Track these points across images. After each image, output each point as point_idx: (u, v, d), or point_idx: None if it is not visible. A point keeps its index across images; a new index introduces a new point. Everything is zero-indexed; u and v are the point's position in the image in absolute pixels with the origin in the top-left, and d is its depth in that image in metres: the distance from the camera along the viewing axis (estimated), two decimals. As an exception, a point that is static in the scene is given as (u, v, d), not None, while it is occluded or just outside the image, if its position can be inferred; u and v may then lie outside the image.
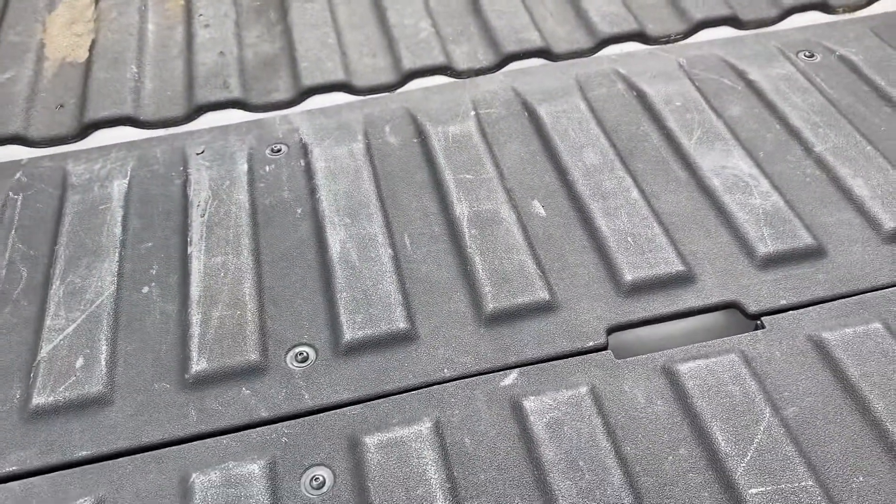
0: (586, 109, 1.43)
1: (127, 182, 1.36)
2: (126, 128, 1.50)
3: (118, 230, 1.27)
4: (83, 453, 1.00)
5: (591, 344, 1.07)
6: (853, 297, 1.11)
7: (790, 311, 1.10)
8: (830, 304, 1.10)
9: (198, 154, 1.40)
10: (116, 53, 1.65)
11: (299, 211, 1.30)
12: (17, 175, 1.39)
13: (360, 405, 1.03)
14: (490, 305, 1.11)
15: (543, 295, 1.12)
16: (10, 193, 1.36)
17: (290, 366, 1.08)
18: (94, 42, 1.69)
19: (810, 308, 1.10)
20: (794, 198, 1.24)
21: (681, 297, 1.12)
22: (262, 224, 1.28)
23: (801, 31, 1.60)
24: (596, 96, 1.46)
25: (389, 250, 1.21)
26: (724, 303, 1.12)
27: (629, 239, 1.19)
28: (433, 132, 1.41)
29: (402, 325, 1.10)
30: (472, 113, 1.44)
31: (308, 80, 1.55)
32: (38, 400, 1.04)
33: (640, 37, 1.61)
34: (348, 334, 1.10)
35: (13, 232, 1.29)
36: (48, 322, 1.13)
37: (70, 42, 1.71)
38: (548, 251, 1.20)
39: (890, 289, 1.12)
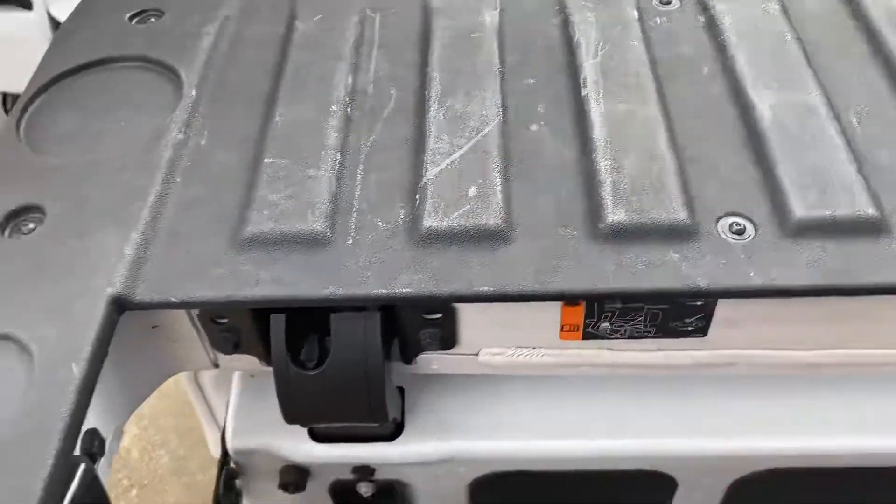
0: None
1: (497, 13, 1.19)
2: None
3: (495, 60, 1.11)
4: (485, 289, 0.84)
5: None
6: None
7: None
8: None
9: (576, -6, 1.21)
10: None
11: (706, 69, 1.08)
12: (371, -6, 1.25)
13: None
14: None
15: None
16: (368, 11, 1.22)
17: (725, 236, 0.88)
18: None
19: None
20: None
21: None
22: (664, 77, 1.07)
23: None
24: None
25: (835, 124, 0.98)
26: None
27: None
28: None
29: (870, 210, 0.88)
30: None
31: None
32: (430, 223, 0.89)
33: None
34: (800, 211, 0.88)
35: (374, 50, 1.15)
36: (430, 144, 0.99)
37: None
38: None
39: None
